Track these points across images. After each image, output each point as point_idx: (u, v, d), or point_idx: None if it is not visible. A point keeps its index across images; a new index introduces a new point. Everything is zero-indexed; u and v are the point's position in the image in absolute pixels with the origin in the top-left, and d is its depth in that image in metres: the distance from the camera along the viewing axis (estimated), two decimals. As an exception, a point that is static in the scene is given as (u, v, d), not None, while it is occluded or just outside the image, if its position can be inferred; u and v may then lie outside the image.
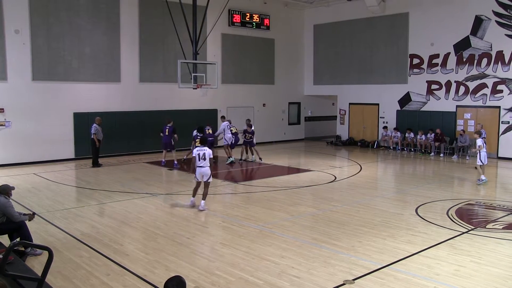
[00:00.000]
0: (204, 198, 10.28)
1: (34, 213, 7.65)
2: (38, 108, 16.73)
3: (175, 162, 16.32)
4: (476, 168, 15.47)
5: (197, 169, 10.24)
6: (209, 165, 10.24)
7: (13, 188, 7.52)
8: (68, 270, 6.71)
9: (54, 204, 10.75)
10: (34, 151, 16.68)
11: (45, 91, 16.90)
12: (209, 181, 10.31)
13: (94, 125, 16.05)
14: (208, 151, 10.29)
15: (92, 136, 15.99)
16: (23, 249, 7.10)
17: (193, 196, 10.55)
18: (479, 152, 13.19)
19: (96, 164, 16.26)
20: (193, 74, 17.32)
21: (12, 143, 16.21)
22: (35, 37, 16.52)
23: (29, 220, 7.43)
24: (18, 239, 7.08)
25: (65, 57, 17.31)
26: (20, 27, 16.18)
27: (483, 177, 13.13)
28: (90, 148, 16.45)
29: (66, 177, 14.34)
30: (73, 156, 17.71)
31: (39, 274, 4.74)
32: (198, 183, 10.49)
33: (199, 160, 10.18)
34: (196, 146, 12.05)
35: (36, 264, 6.82)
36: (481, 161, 13.23)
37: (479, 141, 13.22)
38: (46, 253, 4.80)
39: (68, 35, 17.30)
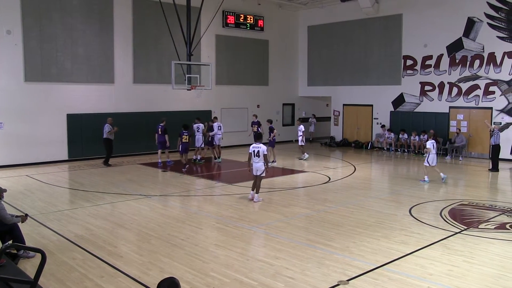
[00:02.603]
0: (257, 192, 11.16)
1: (26, 215, 7.60)
2: (31, 109, 16.62)
3: (169, 160, 16.98)
4: (489, 170, 15.74)
5: (254, 164, 11.11)
6: (263, 161, 11.04)
7: (5, 190, 7.47)
8: (61, 272, 6.66)
9: (47, 206, 10.69)
10: (26, 152, 16.57)
11: (38, 92, 16.80)
12: (262, 175, 11.14)
13: (107, 124, 16.37)
14: (262, 148, 11.05)
15: (106, 136, 16.32)
16: (15, 251, 7.05)
17: (252, 189, 11.29)
18: (428, 154, 13.61)
19: (107, 163, 16.61)
20: (187, 75, 17.29)
21: (4, 144, 16.09)
22: (28, 38, 16.43)
23: (21, 222, 7.37)
24: (10, 242, 7.03)
25: (58, 58, 17.22)
26: (12, 27, 16.07)
27: (426, 178, 13.68)
28: (104, 148, 16.69)
29: (59, 179, 14.26)
30: (66, 158, 17.62)
31: (32, 276, 4.71)
32: (255, 177, 11.18)
33: (254, 157, 11.04)
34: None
35: (28, 266, 6.78)
36: (428, 162, 13.62)
37: (429, 144, 13.63)
38: (39, 255, 4.77)
39: (61, 36, 17.21)
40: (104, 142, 16.56)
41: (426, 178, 13.70)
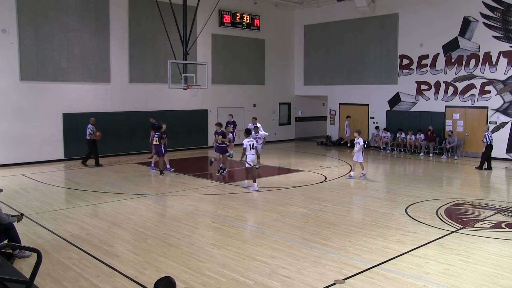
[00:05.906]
0: (255, 181, 12.39)
1: (22, 214, 7.56)
2: (27, 108, 16.55)
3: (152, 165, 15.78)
4: (476, 168, 15.89)
5: (249, 156, 12.30)
6: (257, 153, 12.95)
7: (0, 190, 7.43)
8: (57, 272, 6.65)
9: (43, 206, 10.65)
10: (22, 152, 16.50)
11: (34, 91, 16.73)
12: (256, 166, 12.71)
13: (90, 125, 16.14)
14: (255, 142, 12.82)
15: (88, 137, 16.03)
16: (11, 251, 7.02)
17: (254, 181, 12.38)
18: (361, 151, 14.32)
19: (98, 164, 16.39)
20: (183, 75, 17.26)
21: (0, 143, 16.02)
22: (23, 36, 16.34)
23: (17, 221, 7.35)
24: (6, 241, 7.00)
25: (54, 57, 17.15)
26: (7, 26, 15.99)
27: (352, 173, 14.46)
28: (88, 149, 16.34)
29: (55, 178, 14.21)
30: (62, 157, 17.56)
31: (28, 276, 4.69)
32: (251, 169, 12.48)
33: (250, 150, 12.32)
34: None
35: (24, 266, 6.76)
36: (360, 158, 14.42)
37: (361, 141, 14.35)
38: (34, 255, 4.75)
39: (57, 35, 17.14)
40: (88, 143, 16.14)
41: (363, 172, 14.55)
